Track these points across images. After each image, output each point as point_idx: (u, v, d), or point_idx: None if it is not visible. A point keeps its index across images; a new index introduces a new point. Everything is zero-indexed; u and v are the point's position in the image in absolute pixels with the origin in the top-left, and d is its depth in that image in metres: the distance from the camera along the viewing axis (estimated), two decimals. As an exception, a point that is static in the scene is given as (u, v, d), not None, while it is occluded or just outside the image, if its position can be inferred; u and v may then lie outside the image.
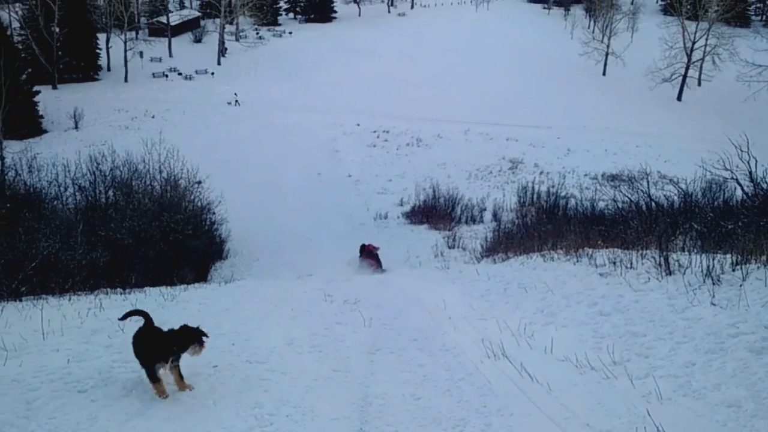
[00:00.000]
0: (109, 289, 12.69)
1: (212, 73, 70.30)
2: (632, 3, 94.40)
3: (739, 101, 57.19)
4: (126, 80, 66.94)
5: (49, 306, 9.73)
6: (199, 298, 11.36)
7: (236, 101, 59.65)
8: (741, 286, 7.73)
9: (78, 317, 9.05)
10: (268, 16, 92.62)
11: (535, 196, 33.72)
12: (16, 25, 65.99)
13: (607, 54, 73.49)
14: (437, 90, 63.27)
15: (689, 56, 66.65)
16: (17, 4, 68.71)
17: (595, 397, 6.21)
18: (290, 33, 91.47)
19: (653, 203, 17.81)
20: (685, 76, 66.36)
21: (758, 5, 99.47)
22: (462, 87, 64.29)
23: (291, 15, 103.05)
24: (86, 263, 15.56)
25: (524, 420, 5.87)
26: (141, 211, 21.00)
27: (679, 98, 65.86)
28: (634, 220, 15.14)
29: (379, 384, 6.86)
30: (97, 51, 69.16)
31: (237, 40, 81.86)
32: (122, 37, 67.62)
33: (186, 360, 7.30)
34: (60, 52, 64.47)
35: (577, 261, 11.25)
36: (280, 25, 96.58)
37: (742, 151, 13.89)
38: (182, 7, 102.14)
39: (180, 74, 69.74)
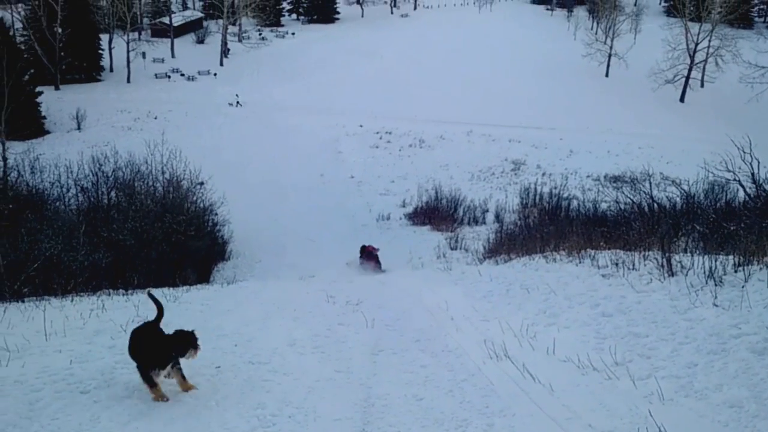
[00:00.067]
0: (111, 290, 12.72)
1: (215, 74, 70.32)
2: (635, 4, 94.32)
3: (742, 103, 57.19)
4: (128, 81, 66.97)
5: (51, 307, 9.75)
6: (202, 299, 11.38)
7: (237, 102, 59.66)
8: (743, 287, 7.73)
9: (80, 318, 9.06)
10: (270, 17, 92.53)
11: (537, 197, 33.72)
12: (18, 25, 66.10)
13: (610, 55, 73.42)
14: (440, 91, 63.25)
15: (692, 58, 66.60)
16: (20, 5, 68.79)
17: (597, 397, 6.22)
18: (293, 34, 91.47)
19: (656, 204, 17.79)
20: (687, 78, 66.30)
21: (761, 7, 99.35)
22: (465, 88, 64.27)
23: (294, 16, 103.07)
24: (88, 264, 15.60)
25: (526, 420, 5.88)
26: (143, 212, 21.03)
27: (681, 100, 65.80)
28: (637, 222, 15.12)
29: (382, 385, 6.87)
30: (100, 52, 69.17)
31: (240, 41, 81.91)
32: (125, 37, 67.55)
33: (187, 360, 7.34)
34: (62, 53, 64.50)
35: (580, 262, 11.25)
36: (282, 26, 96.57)
37: (744, 152, 13.89)
38: (185, 7, 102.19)
39: (183, 75, 69.73)
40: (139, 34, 78.68)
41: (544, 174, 43.32)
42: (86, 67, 67.78)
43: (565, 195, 32.58)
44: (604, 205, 24.62)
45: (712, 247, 10.26)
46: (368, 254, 22.30)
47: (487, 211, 33.59)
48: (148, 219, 20.71)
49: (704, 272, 8.35)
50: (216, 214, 26.66)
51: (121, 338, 7.96)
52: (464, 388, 6.72)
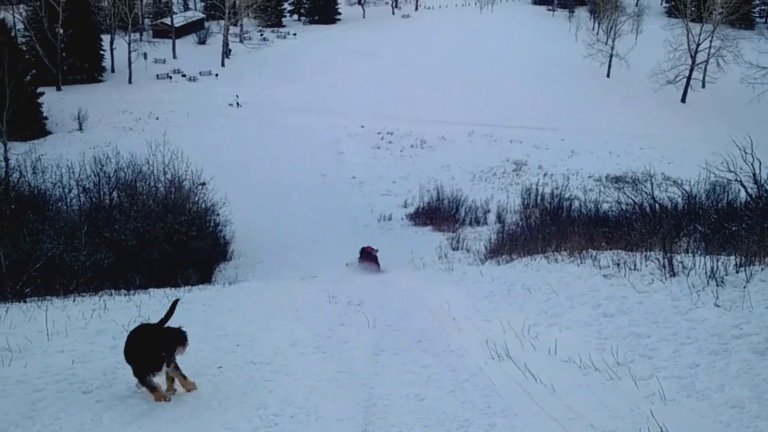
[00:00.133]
0: (113, 291, 12.72)
1: (216, 75, 70.32)
2: (637, 5, 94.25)
3: (744, 103, 57.14)
4: (130, 82, 66.97)
5: (53, 307, 9.77)
6: (204, 299, 11.39)
7: (237, 103, 59.64)
8: (745, 287, 7.74)
9: (82, 318, 9.08)
10: (272, 18, 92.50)
11: (539, 197, 33.72)
12: (20, 26, 66.11)
13: (611, 56, 73.38)
14: (441, 92, 63.20)
15: (693, 58, 66.55)
16: (21, 6, 68.83)
17: (598, 397, 6.22)
18: (294, 34, 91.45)
19: (657, 205, 17.80)
20: (689, 78, 66.25)
21: (763, 7, 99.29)
22: (466, 89, 64.23)
23: (295, 16, 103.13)
24: (90, 264, 15.61)
25: (528, 421, 5.88)
26: (145, 213, 21.05)
27: (683, 100, 65.74)
28: (638, 222, 15.13)
29: (384, 385, 6.88)
30: (101, 52, 69.17)
31: (241, 41, 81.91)
32: (126, 38, 67.53)
33: (189, 361, 7.34)
34: (64, 54, 64.49)
35: (581, 262, 11.26)
36: (284, 26, 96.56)
37: (745, 153, 13.89)
38: (186, 8, 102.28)
39: (184, 76, 69.71)
40: (141, 34, 78.71)
41: (545, 174, 43.31)
42: (88, 68, 67.79)
43: (567, 195, 32.57)
44: (605, 206, 24.63)
45: (714, 248, 10.27)
46: (367, 255, 22.48)
47: (489, 211, 33.60)
48: (150, 219, 20.73)
49: (706, 273, 8.36)
50: (218, 214, 26.68)
51: (123, 338, 7.97)
52: (466, 389, 6.72)
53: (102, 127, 52.92)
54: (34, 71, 55.67)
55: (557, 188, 34.01)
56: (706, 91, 66.79)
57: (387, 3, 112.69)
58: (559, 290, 10.00)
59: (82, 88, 64.82)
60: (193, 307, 10.45)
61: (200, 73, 69.97)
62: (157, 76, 69.25)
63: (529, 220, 27.27)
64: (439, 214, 32.53)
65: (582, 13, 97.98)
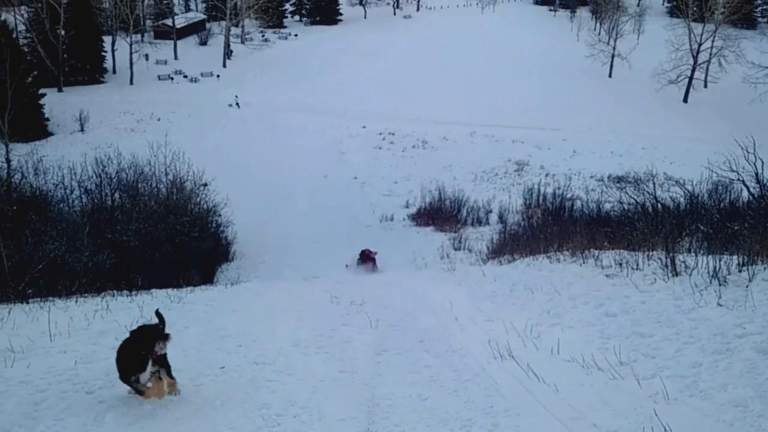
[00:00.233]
0: (115, 291, 12.72)
1: (218, 76, 70.34)
2: (638, 5, 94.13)
3: (746, 103, 57.08)
4: (131, 83, 67.04)
5: (56, 308, 9.77)
6: (206, 300, 11.39)
7: (237, 103, 59.64)
8: (747, 286, 7.74)
9: (85, 319, 9.09)
10: (273, 19, 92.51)
11: (540, 197, 33.72)
12: (21, 28, 66.08)
13: (613, 56, 73.33)
14: (443, 92, 63.19)
15: (695, 58, 66.49)
16: (23, 7, 68.86)
17: (601, 397, 6.22)
18: (296, 35, 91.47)
19: (659, 205, 17.79)
20: (691, 78, 66.19)
21: (765, 7, 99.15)
22: (467, 89, 64.21)
23: (296, 17, 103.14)
24: (93, 265, 15.63)
25: (531, 420, 5.88)
26: (147, 214, 21.08)
27: (685, 100, 65.69)
28: (641, 222, 15.12)
29: (386, 385, 6.88)
30: (103, 54, 69.22)
31: (242, 42, 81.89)
32: (128, 39, 67.59)
33: (192, 361, 7.35)
34: (66, 55, 64.56)
35: (584, 262, 11.26)
36: (285, 27, 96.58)
37: (748, 152, 13.87)
38: (187, 9, 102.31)
39: (185, 77, 69.74)
40: (142, 36, 78.70)
41: (547, 174, 43.31)
42: (89, 69, 67.83)
43: (569, 195, 32.58)
44: (607, 206, 24.64)
45: (716, 247, 10.27)
46: (366, 257, 22.93)
47: (491, 211, 33.64)
48: (152, 220, 20.76)
49: (708, 272, 8.36)
50: (220, 215, 26.72)
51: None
52: (469, 388, 6.72)
53: (103, 128, 52.97)
54: (35, 72, 55.70)
55: (559, 188, 34.00)
56: (708, 91, 66.72)
57: (388, 3, 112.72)
58: (562, 290, 10.00)
59: (84, 89, 64.88)
60: (195, 308, 10.46)
61: (202, 74, 70.00)
62: (159, 77, 69.29)
63: (531, 220, 27.28)
64: (440, 214, 32.57)
65: (584, 13, 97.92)
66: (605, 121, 56.18)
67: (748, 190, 14.74)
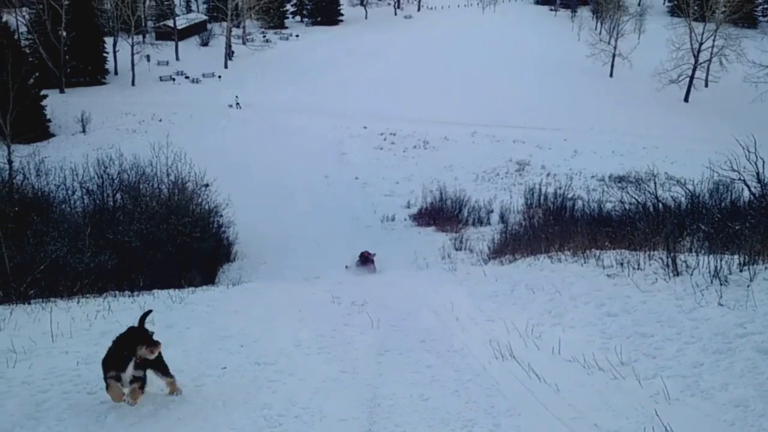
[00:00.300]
0: (117, 292, 12.74)
1: (219, 77, 70.36)
2: (639, 4, 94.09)
3: (747, 102, 57.03)
4: (133, 84, 67.06)
5: (57, 309, 9.77)
6: (207, 300, 11.40)
7: (237, 104, 59.64)
8: (748, 286, 7.73)
9: (87, 320, 9.09)
10: (274, 19, 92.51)
11: (542, 197, 33.71)
12: (23, 29, 66.10)
13: (614, 55, 73.30)
14: (444, 92, 63.16)
15: (696, 57, 66.43)
16: (24, 9, 68.88)
17: (602, 397, 6.22)
18: (297, 36, 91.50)
19: (660, 204, 17.81)
20: (692, 78, 66.15)
21: (765, 6, 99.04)
22: (468, 89, 64.19)
23: (298, 18, 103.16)
24: (94, 266, 15.66)
25: (532, 420, 5.89)
26: (149, 214, 21.11)
27: (686, 99, 65.65)
28: (642, 222, 15.13)
29: (388, 385, 6.89)
30: (104, 55, 69.24)
31: (244, 43, 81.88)
32: (129, 40, 67.62)
33: (194, 361, 7.36)
34: (67, 56, 64.55)
35: (585, 262, 11.26)
36: (286, 28, 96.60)
37: (749, 152, 13.88)
38: (189, 10, 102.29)
39: (187, 78, 69.77)
40: (144, 37, 78.76)
41: (548, 174, 43.28)
42: (91, 71, 67.85)
43: (570, 195, 32.60)
44: (608, 205, 24.68)
45: (717, 247, 10.27)
46: (365, 259, 23.22)
47: (492, 211, 33.64)
48: (154, 221, 20.79)
49: (709, 272, 8.36)
50: (221, 215, 26.74)
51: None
52: (470, 388, 6.73)
53: (105, 130, 52.98)
54: (37, 74, 55.65)
55: (560, 188, 34.00)
56: (709, 91, 66.66)
57: (389, 4, 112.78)
58: (563, 290, 10.00)
59: (86, 90, 64.91)
60: (197, 308, 10.47)
61: (203, 75, 70.03)
62: (160, 78, 69.31)
63: (532, 220, 27.29)
64: (442, 214, 32.59)
65: (584, 12, 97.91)
66: (606, 121, 56.15)
67: (749, 190, 14.75)
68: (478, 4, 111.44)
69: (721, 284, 8.01)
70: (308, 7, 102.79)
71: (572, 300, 9.48)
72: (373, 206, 35.79)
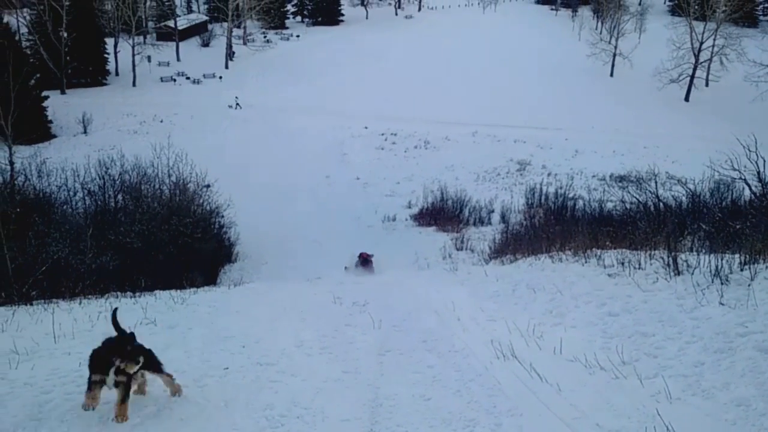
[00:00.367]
0: (119, 293, 12.75)
1: (220, 77, 70.39)
2: (640, 4, 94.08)
3: (747, 101, 57.03)
4: (134, 85, 67.11)
5: (60, 310, 9.79)
6: (209, 300, 11.41)
7: (237, 104, 59.66)
8: (749, 285, 7.74)
9: (89, 321, 9.10)
10: (275, 20, 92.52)
11: (543, 197, 33.73)
12: (24, 30, 66.14)
13: (614, 55, 73.29)
14: (445, 92, 63.19)
15: (697, 57, 66.42)
16: (25, 10, 68.91)
17: (604, 397, 6.24)
18: (298, 36, 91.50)
19: (661, 204, 17.82)
20: (692, 77, 66.14)
21: (766, 5, 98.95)
22: (469, 89, 64.22)
23: (298, 18, 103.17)
24: (96, 267, 15.67)
25: (534, 420, 5.90)
26: (150, 215, 21.14)
27: (686, 99, 65.65)
28: (643, 221, 15.14)
29: (389, 385, 6.90)
30: (105, 56, 69.24)
31: (245, 43, 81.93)
32: (130, 41, 67.69)
33: (196, 362, 7.37)
34: (68, 57, 64.52)
35: (586, 262, 11.26)
36: (287, 28, 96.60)
37: (750, 151, 13.88)
38: (190, 11, 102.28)
39: (188, 78, 69.81)
40: (145, 37, 78.75)
41: (549, 174, 43.26)
42: (92, 71, 67.87)
43: (571, 195, 32.62)
44: (609, 205, 24.68)
45: (718, 246, 10.28)
46: (364, 260, 23.46)
47: (493, 211, 33.64)
48: (155, 222, 20.81)
49: (710, 271, 8.36)
50: (222, 216, 26.76)
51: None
52: (472, 388, 6.74)
53: (106, 130, 53.00)
54: (38, 75, 55.66)
55: (561, 188, 34.00)
56: (709, 90, 66.67)
57: (390, 4, 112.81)
58: (564, 290, 10.01)
59: (87, 91, 64.93)
60: (199, 309, 10.48)
61: (204, 76, 70.05)
62: (161, 78, 69.33)
63: (534, 219, 27.31)
64: (443, 214, 32.61)
65: (585, 12, 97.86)
66: (607, 121, 56.18)
67: (750, 189, 14.75)
68: (478, 3, 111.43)
69: (722, 283, 8.02)
70: (309, 7, 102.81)
71: (573, 300, 9.49)
72: (374, 206, 35.78)
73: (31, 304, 10.69)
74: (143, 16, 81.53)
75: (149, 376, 6.24)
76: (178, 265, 19.41)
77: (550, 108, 58.78)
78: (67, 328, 8.44)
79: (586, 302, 9.20)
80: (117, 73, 70.36)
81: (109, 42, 69.37)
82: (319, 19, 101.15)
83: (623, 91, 66.10)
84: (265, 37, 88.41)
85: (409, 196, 37.58)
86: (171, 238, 20.90)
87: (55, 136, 52.36)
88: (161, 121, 55.08)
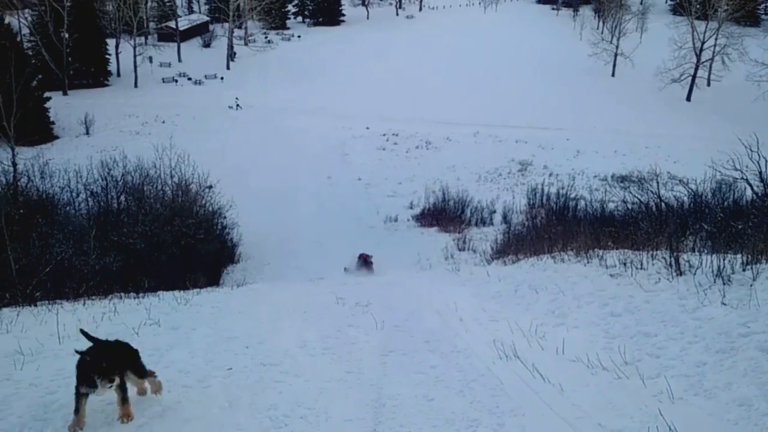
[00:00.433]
0: (122, 294, 12.76)
1: (221, 78, 70.47)
2: (641, 3, 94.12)
3: (749, 101, 56.97)
4: (136, 86, 67.18)
5: (64, 311, 9.82)
6: (212, 301, 11.42)
7: (237, 105, 59.70)
8: (752, 285, 7.75)
9: (93, 321, 9.13)
10: (276, 20, 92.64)
11: (544, 197, 33.75)
12: (26, 31, 66.28)
13: (616, 55, 73.28)
14: (446, 92, 63.22)
15: (698, 56, 66.37)
16: (27, 11, 69.00)
17: (606, 397, 6.25)
18: (299, 36, 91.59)
19: (663, 204, 17.82)
20: (694, 77, 66.10)
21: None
22: (471, 89, 64.25)
23: (299, 18, 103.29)
24: (99, 268, 15.71)
25: (537, 420, 5.92)
26: (153, 216, 21.18)
27: (688, 99, 65.61)
28: (644, 221, 15.15)
29: (392, 385, 6.91)
30: (107, 56, 69.34)
31: (246, 44, 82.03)
32: (131, 42, 67.83)
33: (199, 363, 7.40)
34: (70, 58, 64.65)
35: (588, 262, 11.27)
36: (288, 28, 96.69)
37: (751, 151, 13.88)
38: (191, 11, 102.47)
39: (189, 79, 69.91)
40: (146, 38, 78.81)
41: (551, 174, 43.28)
42: (94, 72, 67.98)
43: (573, 195, 32.63)
44: (611, 205, 24.69)
45: (720, 246, 10.29)
46: (363, 261, 23.50)
47: (495, 212, 33.64)
48: (158, 223, 20.85)
49: (712, 271, 8.37)
50: (225, 217, 26.78)
51: (134, 341, 8.03)
52: (474, 389, 6.76)
53: (109, 131, 53.08)
54: (40, 76, 55.71)
55: (563, 188, 34.03)
56: (711, 90, 66.68)
57: (391, 4, 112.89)
58: (566, 290, 10.02)
59: (89, 92, 65.04)
60: (202, 310, 10.50)
61: (205, 77, 70.13)
62: (163, 79, 69.42)
63: (535, 220, 27.32)
64: (444, 215, 32.62)
65: (586, 12, 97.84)
66: (608, 121, 56.18)
67: (752, 189, 14.74)
68: (479, 3, 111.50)
69: (724, 284, 8.03)
70: (310, 7, 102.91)
71: (576, 300, 9.51)
72: (376, 207, 35.80)
73: (36, 305, 10.71)
74: (144, 17, 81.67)
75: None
76: (181, 265, 19.45)
77: (551, 108, 58.79)
78: (71, 329, 8.45)
79: (588, 302, 9.22)
80: (119, 74, 70.46)
81: (111, 43, 69.45)
82: (320, 19, 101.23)
83: (625, 90, 66.09)
84: (266, 37, 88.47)
85: (410, 196, 37.60)
86: (174, 239, 20.95)
87: (57, 137, 52.45)
88: (163, 122, 55.15)
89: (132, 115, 57.30)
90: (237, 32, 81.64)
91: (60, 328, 8.31)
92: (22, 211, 18.92)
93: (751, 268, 8.14)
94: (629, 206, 20.33)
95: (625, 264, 10.14)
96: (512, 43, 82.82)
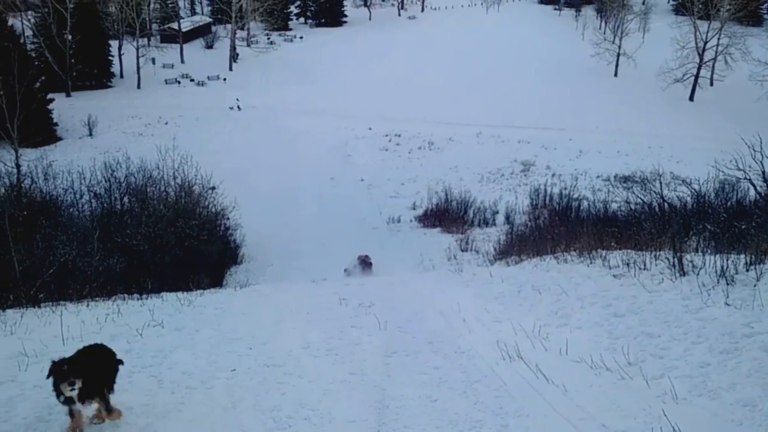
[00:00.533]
0: (126, 295, 12.79)
1: (224, 79, 70.48)
2: (644, 3, 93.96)
3: (752, 101, 56.84)
4: (139, 87, 67.21)
5: (67, 312, 9.84)
6: (215, 302, 11.44)
7: (238, 106, 59.71)
8: (755, 286, 7.75)
9: (97, 323, 9.16)
10: (278, 21, 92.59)
11: (547, 198, 33.72)
12: (29, 33, 66.38)
13: (618, 55, 73.15)
14: (448, 93, 63.17)
15: (701, 56, 66.25)
16: (30, 12, 69.10)
17: (610, 397, 6.26)
18: (301, 38, 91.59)
19: (666, 204, 17.78)
20: (697, 77, 65.96)
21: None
22: (473, 89, 64.20)
23: (302, 20, 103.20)
24: (103, 269, 15.72)
25: (540, 421, 5.92)
26: (156, 218, 21.20)
27: (691, 98, 65.48)
28: (647, 222, 15.14)
29: (396, 386, 6.93)
30: (110, 58, 69.36)
31: (248, 45, 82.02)
32: (134, 43, 67.76)
33: (203, 364, 7.42)
34: (73, 60, 64.68)
35: (591, 263, 11.27)
36: (291, 29, 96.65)
37: (755, 151, 13.86)
38: (193, 13, 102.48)
39: (192, 80, 69.95)
40: (149, 40, 78.91)
41: (553, 175, 43.23)
42: (97, 74, 67.99)
43: (575, 195, 32.59)
44: (614, 206, 24.64)
45: (724, 246, 10.28)
46: (363, 262, 23.54)
47: (497, 212, 33.61)
48: (161, 224, 20.87)
49: (716, 271, 8.37)
50: (228, 218, 26.81)
51: (137, 342, 8.10)
52: (478, 389, 6.77)
53: (112, 133, 53.12)
54: (43, 77, 55.77)
55: (566, 188, 34.02)
56: (714, 90, 66.53)
57: (393, 4, 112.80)
58: (569, 290, 10.02)
59: (92, 93, 65.07)
60: (205, 311, 10.52)
61: (208, 78, 70.16)
62: (166, 81, 69.45)
63: (538, 220, 27.30)
64: (447, 215, 32.58)
65: (589, 12, 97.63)
66: (611, 121, 56.09)
67: (755, 189, 14.74)
68: (481, 4, 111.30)
69: (727, 284, 8.02)
70: (312, 8, 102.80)
71: (579, 301, 9.50)
72: (378, 208, 35.79)
73: (39, 307, 10.74)
74: (147, 19, 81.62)
75: None
76: (184, 267, 19.46)
77: (554, 108, 58.71)
78: (75, 330, 8.49)
79: (591, 303, 9.22)
80: (122, 76, 70.49)
81: (114, 44, 69.47)
82: (323, 20, 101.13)
83: (627, 90, 65.98)
84: (268, 38, 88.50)
85: (413, 197, 37.57)
86: (177, 241, 20.96)
87: (60, 139, 52.50)
88: (166, 123, 55.17)
89: (135, 117, 57.34)
90: (239, 33, 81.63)
91: (64, 330, 8.34)
92: (25, 212, 18.94)
93: (755, 269, 8.14)
94: (632, 206, 20.29)
95: (628, 264, 10.14)
96: (514, 44, 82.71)
